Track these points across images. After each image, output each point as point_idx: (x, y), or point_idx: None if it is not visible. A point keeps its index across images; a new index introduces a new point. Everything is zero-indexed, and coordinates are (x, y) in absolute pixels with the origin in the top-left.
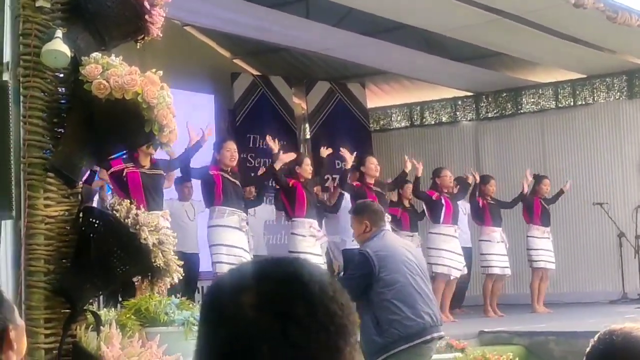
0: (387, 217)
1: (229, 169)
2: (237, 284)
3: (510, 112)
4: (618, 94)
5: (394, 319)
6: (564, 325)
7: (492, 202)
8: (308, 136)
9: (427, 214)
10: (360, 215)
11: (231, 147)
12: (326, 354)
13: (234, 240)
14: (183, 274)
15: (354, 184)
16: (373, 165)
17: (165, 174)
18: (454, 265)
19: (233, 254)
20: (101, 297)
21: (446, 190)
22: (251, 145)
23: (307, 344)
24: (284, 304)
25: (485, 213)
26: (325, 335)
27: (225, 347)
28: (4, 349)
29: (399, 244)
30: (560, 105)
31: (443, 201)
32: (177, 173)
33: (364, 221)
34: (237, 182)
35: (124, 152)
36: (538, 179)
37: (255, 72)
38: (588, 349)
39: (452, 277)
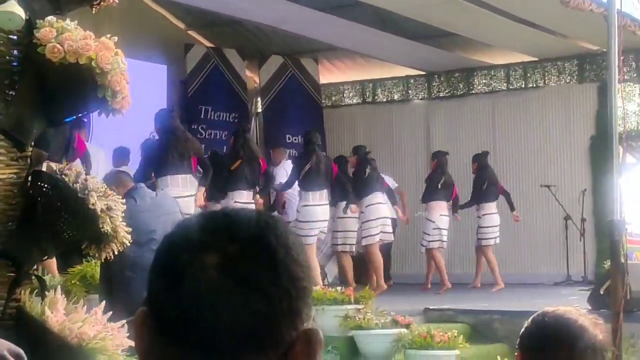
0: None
1: None
2: (199, 240)
3: (461, 92)
4: (569, 77)
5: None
6: (509, 305)
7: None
8: (260, 110)
9: None
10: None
11: None
12: (286, 319)
13: None
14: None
15: None
16: None
17: None
18: None
19: None
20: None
21: None
22: (202, 116)
23: (268, 310)
24: (248, 271)
25: None
26: (287, 302)
27: (180, 305)
28: None
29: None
30: (511, 87)
31: None
32: None
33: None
34: None
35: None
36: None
37: (208, 44)
38: (522, 330)
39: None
